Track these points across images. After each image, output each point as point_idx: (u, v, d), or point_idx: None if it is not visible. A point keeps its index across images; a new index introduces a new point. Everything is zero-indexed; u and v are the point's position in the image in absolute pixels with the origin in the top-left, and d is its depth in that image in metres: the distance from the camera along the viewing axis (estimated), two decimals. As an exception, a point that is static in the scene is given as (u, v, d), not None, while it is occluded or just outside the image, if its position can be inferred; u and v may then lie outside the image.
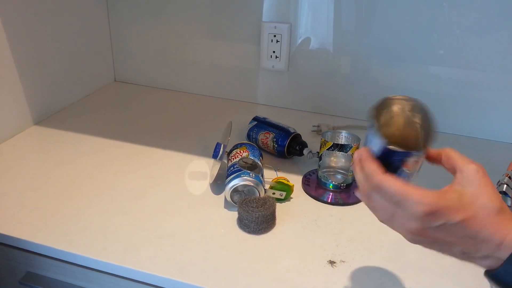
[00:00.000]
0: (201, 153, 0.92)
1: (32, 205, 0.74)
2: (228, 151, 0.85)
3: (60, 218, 0.71)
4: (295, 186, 0.79)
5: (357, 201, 0.78)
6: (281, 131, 0.90)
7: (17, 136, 0.96)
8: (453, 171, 0.46)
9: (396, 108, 0.46)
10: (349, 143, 0.80)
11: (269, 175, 0.82)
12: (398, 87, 1.05)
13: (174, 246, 0.66)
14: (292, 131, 0.90)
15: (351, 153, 0.78)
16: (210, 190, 0.80)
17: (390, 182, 0.43)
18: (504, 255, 0.42)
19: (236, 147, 0.84)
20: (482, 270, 0.46)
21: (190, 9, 1.13)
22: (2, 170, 0.84)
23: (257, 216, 0.68)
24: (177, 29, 1.17)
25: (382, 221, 0.47)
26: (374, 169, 0.45)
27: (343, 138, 0.82)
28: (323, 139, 0.79)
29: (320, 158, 0.81)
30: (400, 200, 0.43)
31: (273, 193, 0.76)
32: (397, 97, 0.45)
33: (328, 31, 1.04)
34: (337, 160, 0.83)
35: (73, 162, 0.87)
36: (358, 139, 0.80)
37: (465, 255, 0.45)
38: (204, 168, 0.87)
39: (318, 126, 1.03)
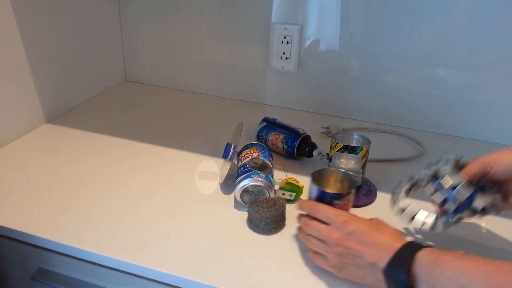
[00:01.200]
0: (211, 153, 0.93)
1: (43, 202, 0.75)
2: (238, 151, 0.85)
3: (70, 215, 0.72)
4: (305, 188, 0.79)
5: (366, 203, 0.78)
6: (291, 132, 0.90)
7: (29, 134, 0.97)
8: None
9: (329, 173, 0.70)
10: (359, 145, 0.80)
11: (279, 176, 0.82)
12: (406, 88, 1.04)
13: (183, 245, 0.66)
14: (302, 132, 0.90)
15: (361, 155, 0.78)
16: (220, 190, 0.80)
17: (320, 205, 0.62)
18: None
19: (246, 147, 0.84)
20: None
21: (201, 10, 1.14)
22: (14, 167, 0.84)
23: (267, 216, 0.68)
24: (188, 29, 1.17)
25: (316, 247, 0.61)
26: (312, 201, 0.64)
27: (353, 140, 0.81)
28: (333, 141, 0.79)
29: (329, 159, 0.81)
30: (327, 215, 0.60)
31: (283, 194, 0.76)
32: (330, 168, 0.71)
33: (336, 33, 1.05)
34: (347, 162, 0.83)
35: (84, 161, 0.88)
36: (369, 141, 0.79)
37: (374, 267, 0.55)
38: (214, 168, 0.87)
39: (327, 128, 1.03)
